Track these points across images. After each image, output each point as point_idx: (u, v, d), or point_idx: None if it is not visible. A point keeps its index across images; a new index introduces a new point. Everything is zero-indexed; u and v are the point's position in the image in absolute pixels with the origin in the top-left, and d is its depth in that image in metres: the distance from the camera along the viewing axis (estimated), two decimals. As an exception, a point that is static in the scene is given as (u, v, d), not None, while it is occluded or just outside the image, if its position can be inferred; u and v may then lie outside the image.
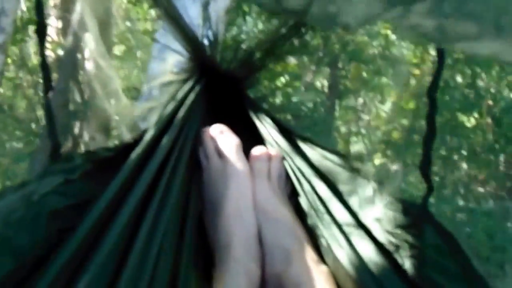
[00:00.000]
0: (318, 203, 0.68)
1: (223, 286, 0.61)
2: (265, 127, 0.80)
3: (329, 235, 0.64)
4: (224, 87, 0.86)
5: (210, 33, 0.88)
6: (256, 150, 0.77)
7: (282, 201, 0.72)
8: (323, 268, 0.63)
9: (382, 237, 0.61)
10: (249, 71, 0.87)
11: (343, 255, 0.61)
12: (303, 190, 0.71)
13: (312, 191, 0.70)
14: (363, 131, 5.36)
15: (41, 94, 4.17)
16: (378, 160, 5.07)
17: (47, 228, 0.53)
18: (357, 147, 5.40)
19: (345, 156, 0.71)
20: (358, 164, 0.68)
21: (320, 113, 4.50)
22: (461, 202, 4.40)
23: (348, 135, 5.40)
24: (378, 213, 0.63)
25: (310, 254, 0.64)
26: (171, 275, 0.58)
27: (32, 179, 0.57)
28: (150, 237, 0.57)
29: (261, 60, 0.86)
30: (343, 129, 5.44)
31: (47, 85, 0.61)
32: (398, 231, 0.60)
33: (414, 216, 0.62)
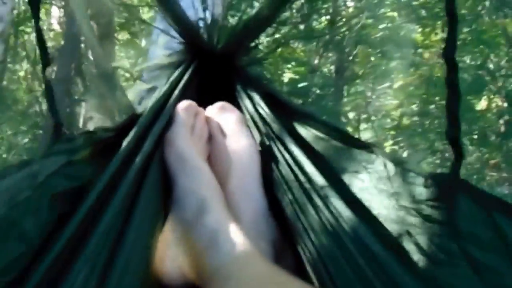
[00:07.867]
0: (311, 189, 0.62)
1: None
2: (259, 109, 0.75)
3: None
4: (217, 68, 0.83)
5: (207, 15, 0.85)
6: None
7: None
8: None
9: (394, 215, 0.56)
10: (244, 51, 0.84)
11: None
12: (296, 177, 0.65)
13: (305, 179, 0.63)
14: (373, 117, 5.29)
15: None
16: (388, 148, 5.01)
17: (49, 212, 0.50)
18: (367, 134, 5.33)
19: (348, 133, 0.67)
20: (363, 141, 0.64)
21: (327, 99, 4.43)
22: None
23: (357, 122, 5.33)
24: (395, 188, 0.58)
25: None
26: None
27: (35, 158, 0.54)
28: (142, 220, 0.55)
29: (255, 37, 0.83)
30: (351, 115, 5.37)
31: (45, 60, 0.58)
32: (419, 206, 0.56)
33: (443, 187, 0.56)
